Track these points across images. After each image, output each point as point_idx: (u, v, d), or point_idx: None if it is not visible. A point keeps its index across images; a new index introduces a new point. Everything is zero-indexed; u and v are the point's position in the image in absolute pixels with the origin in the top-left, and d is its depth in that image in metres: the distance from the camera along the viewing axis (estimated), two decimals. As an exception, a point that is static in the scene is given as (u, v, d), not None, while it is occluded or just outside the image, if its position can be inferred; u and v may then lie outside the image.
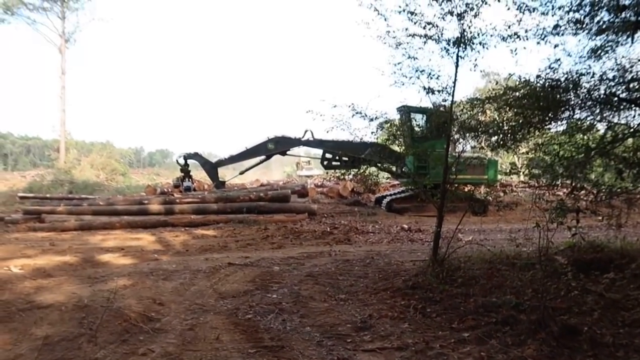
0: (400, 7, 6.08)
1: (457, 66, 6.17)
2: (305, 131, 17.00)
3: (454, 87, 6.24)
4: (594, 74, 5.28)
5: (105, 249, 9.61)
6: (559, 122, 5.74)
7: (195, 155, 18.31)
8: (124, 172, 34.89)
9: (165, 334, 4.32)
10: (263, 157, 18.14)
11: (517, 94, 5.73)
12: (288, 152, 18.55)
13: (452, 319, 4.60)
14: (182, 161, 18.03)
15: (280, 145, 17.43)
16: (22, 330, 4.29)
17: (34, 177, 32.58)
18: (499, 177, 16.55)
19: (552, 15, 5.41)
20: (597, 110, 5.35)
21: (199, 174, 24.26)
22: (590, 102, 5.24)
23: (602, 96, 5.18)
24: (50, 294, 5.35)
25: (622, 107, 5.22)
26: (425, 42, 6.24)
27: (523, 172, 8.20)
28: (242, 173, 19.93)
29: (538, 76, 5.43)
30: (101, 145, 36.96)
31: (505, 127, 5.98)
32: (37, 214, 14.25)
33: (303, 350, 3.95)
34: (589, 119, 5.47)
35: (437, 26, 6.08)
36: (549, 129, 5.92)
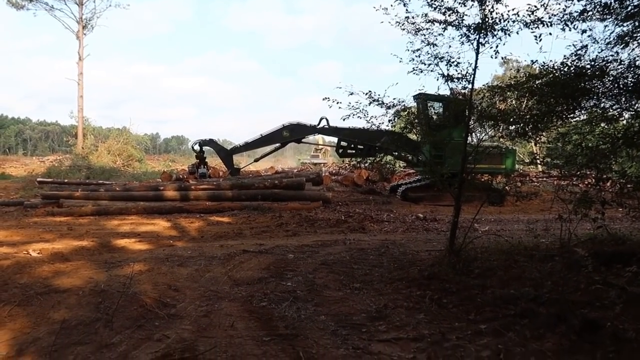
0: (420, -8, 5.94)
1: (477, 53, 6.02)
2: (321, 119, 16.89)
3: (474, 74, 6.10)
4: (621, 61, 5.10)
5: (122, 234, 9.72)
6: (583, 111, 5.57)
7: (211, 142, 18.34)
8: (141, 158, 35.19)
9: (180, 320, 4.33)
10: (278, 144, 18.08)
11: (540, 81, 5.57)
12: (303, 140, 18.46)
13: (468, 310, 4.53)
14: (197, 148, 18.06)
15: (295, 133, 17.34)
16: (40, 314, 4.34)
17: (53, 163, 33.03)
18: (517, 166, 16.27)
19: (579, 0, 5.23)
20: (624, 99, 5.18)
21: (214, 161, 24.36)
22: (616, 91, 5.07)
23: (629, 84, 5.01)
24: (67, 278, 5.41)
25: (650, 95, 5.04)
26: (445, 29, 6.10)
27: (541, 163, 8.02)
28: (257, 160, 19.94)
29: (563, 63, 5.27)
30: (118, 131, 37.21)
31: (527, 116, 5.83)
32: (55, 198, 14.45)
33: (318, 339, 3.92)
34: (614, 108, 5.29)
35: (457, 12, 5.93)
36: (573, 117, 5.75)
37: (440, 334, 3.99)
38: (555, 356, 3.46)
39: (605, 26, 5.43)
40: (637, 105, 5.23)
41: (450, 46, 6.17)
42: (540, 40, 5.57)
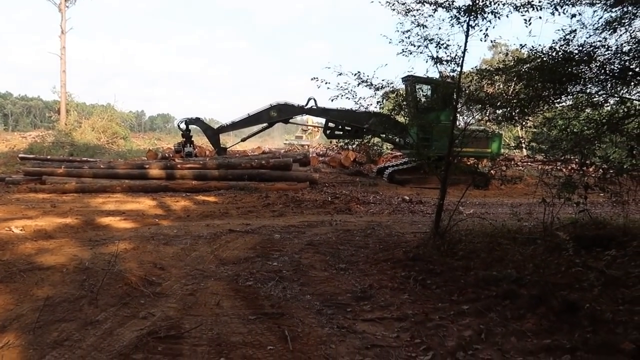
0: (411, -28, 5.87)
1: (467, 35, 6.00)
2: (309, 99, 16.77)
3: (463, 57, 6.09)
4: (608, 47, 5.13)
5: (106, 212, 9.62)
6: (570, 96, 5.62)
7: (197, 121, 18.12)
8: (125, 135, 34.60)
9: (166, 299, 4.33)
10: (265, 124, 17.96)
11: (528, 65, 5.59)
12: (290, 120, 18.34)
13: (452, 291, 4.61)
14: (183, 126, 17.84)
15: (282, 113, 17.21)
16: (23, 290, 4.31)
17: (35, 138, 32.37)
18: (502, 151, 16.41)
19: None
20: (609, 85, 5.23)
21: (201, 140, 24.13)
22: (603, 76, 5.11)
23: (616, 70, 5.05)
24: (51, 256, 5.36)
25: (635, 82, 5.09)
26: (435, 10, 6.06)
27: (527, 147, 8.10)
28: (243, 140, 19.78)
29: (551, 47, 5.28)
30: (102, 108, 36.47)
31: (514, 100, 5.86)
32: (38, 175, 14.23)
33: (303, 318, 3.97)
34: (600, 93, 5.34)
35: (448, -7, 5.89)
36: (559, 102, 5.80)
37: (423, 314, 4.07)
38: (534, 336, 3.55)
39: (594, 11, 5.45)
40: (622, 91, 5.28)
41: (440, 28, 6.15)
42: (530, 24, 5.58)
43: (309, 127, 34.75)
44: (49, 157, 20.92)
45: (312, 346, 3.45)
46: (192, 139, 18.27)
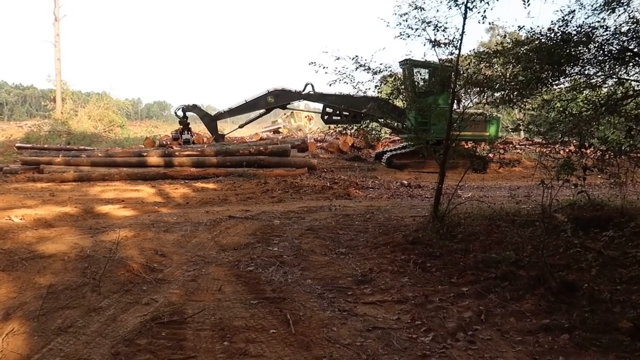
0: (408, -47, 5.81)
1: (465, 18, 5.97)
2: (306, 85, 16.67)
3: (461, 39, 6.07)
4: (607, 27, 5.10)
5: (105, 200, 9.64)
6: (568, 78, 5.61)
7: (194, 108, 18.00)
8: (122, 123, 34.39)
9: (168, 285, 4.37)
10: (263, 110, 17.87)
11: (526, 47, 5.57)
12: (288, 106, 18.27)
13: (451, 273, 4.66)
14: (180, 113, 17.72)
15: (280, 99, 17.11)
16: (25, 279, 4.32)
17: (31, 128, 32.17)
18: (500, 134, 16.40)
19: (569, -37, 5.18)
20: (608, 66, 5.21)
21: (198, 127, 24.02)
22: (601, 57, 5.09)
23: (614, 51, 5.03)
24: (52, 244, 5.38)
25: (634, 62, 5.08)
26: (433, -9, 6.01)
27: (525, 130, 8.09)
28: (241, 126, 19.69)
29: (550, 29, 5.25)
30: (98, 96, 36.18)
31: (512, 83, 5.85)
32: (35, 164, 14.20)
33: (304, 302, 4.00)
34: (599, 75, 5.34)
35: (446, -26, 5.84)
36: (557, 84, 5.79)
37: (423, 297, 4.11)
38: (533, 316, 3.60)
39: (593, -9, 5.40)
40: (620, 72, 5.27)
41: (438, 10, 6.11)
42: (529, 4, 5.54)
43: (289, 110, 34.47)
44: (46, 146, 20.80)
45: (314, 329, 3.49)
46: (190, 126, 18.19)
